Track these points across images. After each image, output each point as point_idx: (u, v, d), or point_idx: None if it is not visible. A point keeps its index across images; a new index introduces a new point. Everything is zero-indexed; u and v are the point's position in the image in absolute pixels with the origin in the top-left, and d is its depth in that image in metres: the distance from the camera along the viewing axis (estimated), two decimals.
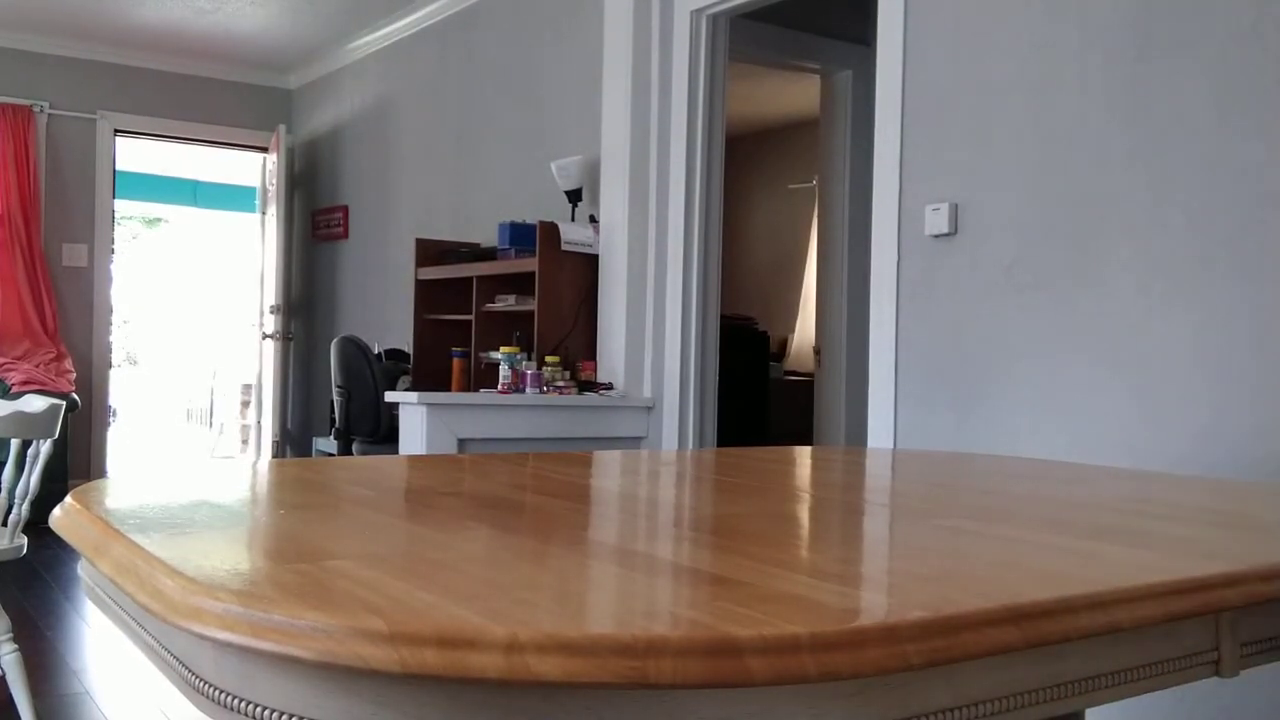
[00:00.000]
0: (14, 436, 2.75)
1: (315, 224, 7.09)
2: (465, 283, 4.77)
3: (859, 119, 4.97)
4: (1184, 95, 2.53)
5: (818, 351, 5.10)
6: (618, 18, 4.21)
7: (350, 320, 6.56)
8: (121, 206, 8.09)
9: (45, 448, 2.86)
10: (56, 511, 1.16)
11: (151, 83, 6.85)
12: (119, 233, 8.87)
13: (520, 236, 4.40)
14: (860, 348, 4.60)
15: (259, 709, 0.80)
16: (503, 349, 4.04)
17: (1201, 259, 2.50)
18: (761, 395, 6.25)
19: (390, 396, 3.75)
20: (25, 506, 2.86)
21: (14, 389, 5.48)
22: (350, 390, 4.78)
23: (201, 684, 0.86)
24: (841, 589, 0.92)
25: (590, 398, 3.98)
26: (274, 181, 6.87)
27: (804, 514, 1.42)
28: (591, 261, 4.26)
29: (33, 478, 2.87)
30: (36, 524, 2.70)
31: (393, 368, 5.12)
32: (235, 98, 7.15)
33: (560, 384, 3.97)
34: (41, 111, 6.51)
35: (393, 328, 5.89)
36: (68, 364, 6.26)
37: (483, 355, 4.53)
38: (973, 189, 2.99)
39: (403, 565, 0.93)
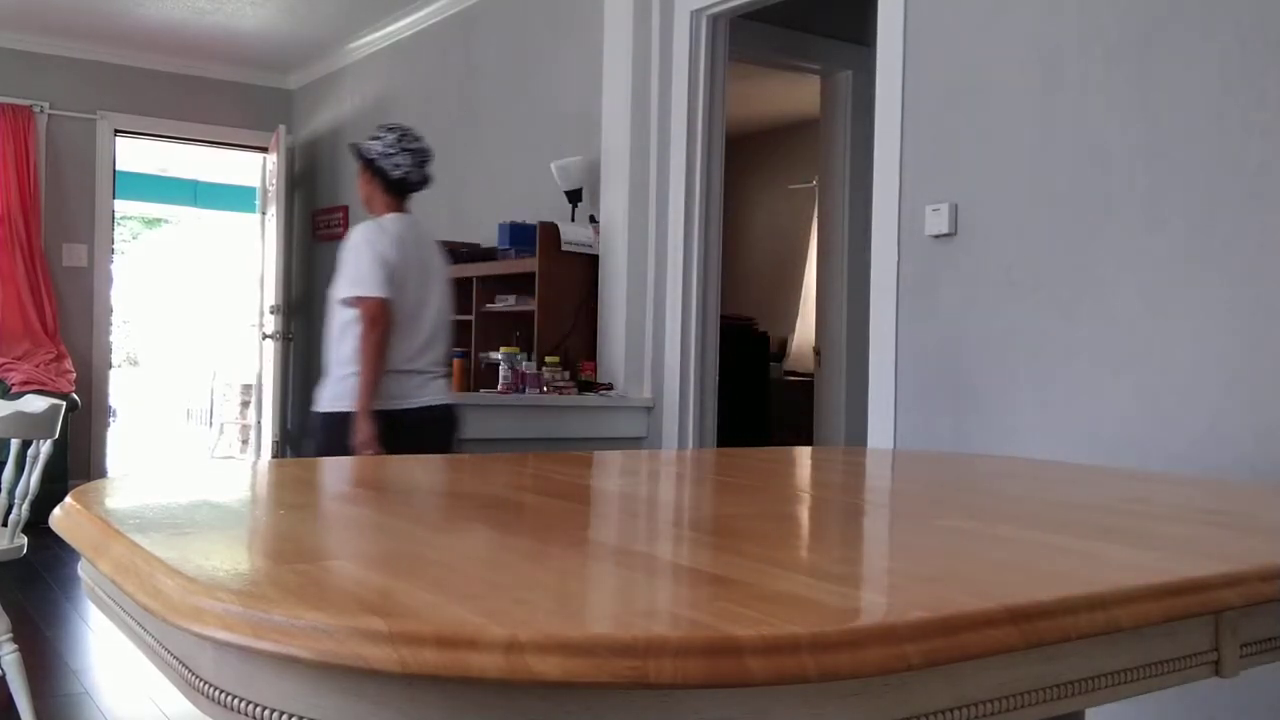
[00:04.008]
0: (14, 436, 2.75)
1: (315, 224, 7.09)
2: (465, 283, 4.77)
3: (859, 119, 4.97)
4: (1185, 95, 2.53)
5: (818, 351, 5.10)
6: (618, 18, 4.21)
7: None
8: (121, 206, 8.09)
9: (45, 448, 2.86)
10: (56, 511, 1.16)
11: (151, 83, 6.85)
12: (119, 233, 8.87)
13: (520, 236, 4.39)
14: (860, 348, 4.59)
15: (259, 709, 0.80)
16: (503, 349, 4.04)
17: (1202, 260, 2.49)
18: (761, 395, 6.24)
19: None
20: (25, 506, 2.86)
21: (14, 389, 5.47)
22: None
23: (201, 684, 0.86)
24: (841, 589, 0.92)
25: (590, 398, 3.98)
26: (274, 182, 6.87)
27: (804, 514, 1.42)
28: (591, 261, 4.26)
29: (33, 478, 2.87)
30: (36, 524, 2.69)
31: None
32: (235, 98, 7.14)
33: (560, 384, 3.97)
34: (41, 111, 6.50)
35: None
36: (68, 364, 6.26)
37: (483, 355, 4.52)
38: (973, 189, 2.99)
39: (403, 565, 0.93)
